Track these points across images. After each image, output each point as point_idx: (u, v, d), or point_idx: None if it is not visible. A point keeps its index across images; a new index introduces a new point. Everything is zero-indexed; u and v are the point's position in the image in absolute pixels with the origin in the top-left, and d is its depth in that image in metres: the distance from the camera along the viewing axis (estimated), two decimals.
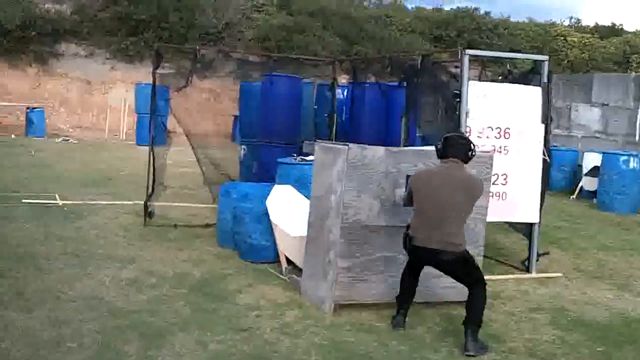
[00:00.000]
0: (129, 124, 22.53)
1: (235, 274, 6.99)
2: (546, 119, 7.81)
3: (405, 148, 6.28)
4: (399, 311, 5.73)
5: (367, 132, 10.31)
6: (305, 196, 7.63)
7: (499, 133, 7.60)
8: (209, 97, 24.04)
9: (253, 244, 7.44)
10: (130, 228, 8.75)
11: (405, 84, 9.52)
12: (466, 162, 5.56)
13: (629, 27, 36.72)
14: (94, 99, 24.52)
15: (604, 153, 14.04)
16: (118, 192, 11.48)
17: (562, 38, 30.24)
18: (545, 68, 7.84)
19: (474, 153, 5.54)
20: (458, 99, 7.37)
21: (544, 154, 7.79)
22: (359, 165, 5.82)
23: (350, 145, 5.83)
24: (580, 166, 15.07)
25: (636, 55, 28.78)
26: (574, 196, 14.43)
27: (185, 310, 5.80)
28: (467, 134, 7.33)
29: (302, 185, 7.85)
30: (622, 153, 13.70)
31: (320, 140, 6.97)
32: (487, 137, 7.55)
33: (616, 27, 33.41)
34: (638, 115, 15.77)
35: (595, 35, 31.01)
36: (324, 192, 6.11)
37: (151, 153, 9.25)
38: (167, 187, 10.12)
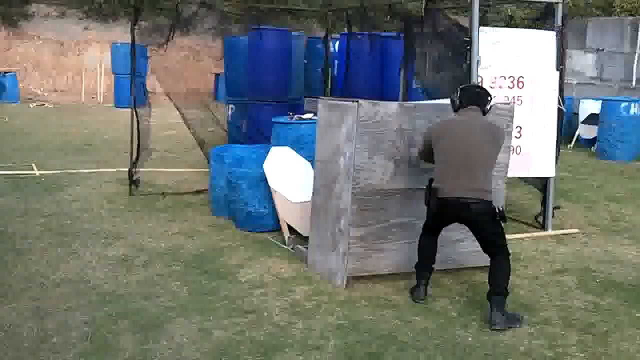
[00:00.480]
0: (106, 86, 21.69)
1: (234, 246, 6.42)
2: (561, 66, 7.25)
3: (420, 102, 5.68)
4: (419, 282, 5.20)
5: (363, 87, 9.72)
6: (305, 158, 7.07)
7: (512, 82, 7.02)
8: (188, 55, 23.23)
9: (251, 212, 6.86)
10: (115, 198, 8.13)
11: (403, 34, 8.93)
12: (484, 114, 5.07)
13: None
14: (68, 61, 23.55)
15: (603, 100, 13.54)
16: (99, 159, 10.83)
17: None
18: (559, 11, 7.24)
19: (491, 103, 5.08)
20: (468, 47, 6.76)
21: (559, 103, 7.25)
22: (371, 123, 5.22)
23: (361, 101, 5.22)
24: (576, 114, 14.58)
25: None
26: (571, 145, 13.97)
27: (182, 292, 5.22)
28: (479, 84, 6.77)
29: (300, 147, 7.27)
30: (622, 99, 13.22)
31: (319, 97, 6.32)
32: (500, 87, 6.97)
33: None
34: (635, 60, 15.26)
35: None
36: (330, 155, 5.51)
37: (134, 116, 8.57)
38: (152, 151, 9.50)
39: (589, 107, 14.18)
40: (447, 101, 5.82)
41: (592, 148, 13.59)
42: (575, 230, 7.42)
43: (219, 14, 10.65)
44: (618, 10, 27.41)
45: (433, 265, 5.23)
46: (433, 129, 5.12)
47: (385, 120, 5.27)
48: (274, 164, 6.88)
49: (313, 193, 5.82)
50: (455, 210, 4.86)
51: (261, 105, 9.73)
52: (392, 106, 5.33)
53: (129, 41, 8.52)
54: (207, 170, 9.61)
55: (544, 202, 7.49)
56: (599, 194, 9.58)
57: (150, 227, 6.96)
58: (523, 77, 7.04)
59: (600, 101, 13.57)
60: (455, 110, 5.10)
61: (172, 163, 10.67)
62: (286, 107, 9.77)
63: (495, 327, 4.68)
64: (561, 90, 7.29)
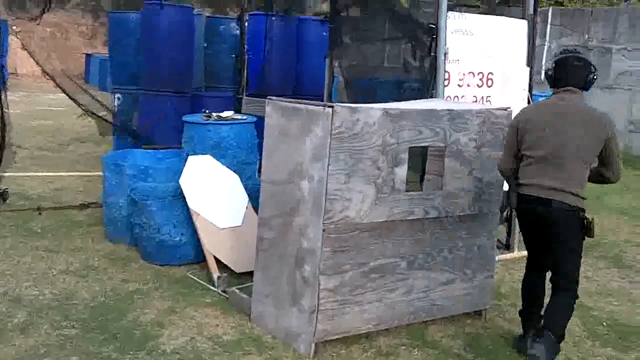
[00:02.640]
0: None
1: (145, 289, 4.85)
2: (531, 61, 6.19)
3: (405, 107, 4.34)
4: (526, 332, 4.29)
5: (281, 78, 8.34)
6: (229, 168, 5.64)
7: (481, 79, 5.86)
8: (54, 32, 21.02)
9: (163, 240, 5.31)
10: None
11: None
12: (586, 90, 4.10)
13: None
14: None
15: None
16: None
17: None
18: None
19: (595, 77, 4.08)
20: (434, 35, 5.52)
21: (528, 103, 6.20)
22: (348, 136, 3.85)
23: (336, 105, 3.84)
24: None
25: None
26: None
27: None
28: (446, 82, 5.57)
29: (221, 153, 5.82)
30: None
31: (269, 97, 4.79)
32: (468, 86, 5.79)
33: None
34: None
35: None
36: (287, 176, 4.10)
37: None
38: (19, 149, 7.69)
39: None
40: (435, 103, 4.62)
41: None
42: None
43: None
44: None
45: (541, 310, 4.27)
46: (519, 117, 4.20)
47: (365, 132, 3.91)
48: (193, 178, 5.38)
49: (259, 223, 4.38)
50: (534, 209, 3.98)
51: (158, 96, 8.16)
52: (375, 113, 3.97)
53: None
54: (91, 173, 8.00)
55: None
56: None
57: (27, 262, 5.23)
58: (493, 74, 5.91)
59: None
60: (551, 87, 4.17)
61: (47, 164, 8.84)
62: (188, 100, 8.31)
63: (532, 352, 3.88)
64: (530, 88, 6.25)
